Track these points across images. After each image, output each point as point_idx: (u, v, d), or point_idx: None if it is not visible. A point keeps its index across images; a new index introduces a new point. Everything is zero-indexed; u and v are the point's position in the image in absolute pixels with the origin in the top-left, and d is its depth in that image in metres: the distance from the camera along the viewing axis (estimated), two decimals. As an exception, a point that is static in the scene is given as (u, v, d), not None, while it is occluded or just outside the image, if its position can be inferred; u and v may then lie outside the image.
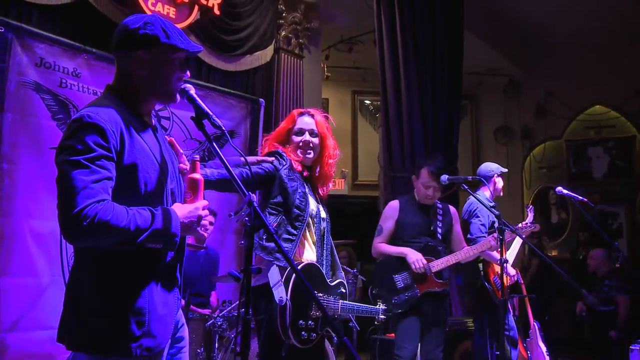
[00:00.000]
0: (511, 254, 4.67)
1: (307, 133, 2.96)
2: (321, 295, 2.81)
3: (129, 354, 1.82)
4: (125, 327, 1.83)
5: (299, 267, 2.73)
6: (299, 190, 2.85)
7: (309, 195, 2.90)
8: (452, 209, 4.28)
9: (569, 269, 7.95)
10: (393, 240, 4.17)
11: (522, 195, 9.57)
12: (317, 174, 3.02)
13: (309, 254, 2.88)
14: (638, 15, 7.64)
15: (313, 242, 2.91)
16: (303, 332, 2.71)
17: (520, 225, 4.57)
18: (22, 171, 4.29)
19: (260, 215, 1.86)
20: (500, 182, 4.83)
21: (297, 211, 2.81)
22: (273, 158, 2.89)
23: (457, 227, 4.27)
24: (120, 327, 1.83)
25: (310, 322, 2.73)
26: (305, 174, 2.93)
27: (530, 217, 4.93)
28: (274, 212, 2.82)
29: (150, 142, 1.99)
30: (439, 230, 4.11)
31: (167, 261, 1.98)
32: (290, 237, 2.79)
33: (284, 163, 2.88)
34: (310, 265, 2.81)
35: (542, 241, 8.76)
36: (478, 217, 4.64)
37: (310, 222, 2.90)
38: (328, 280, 2.90)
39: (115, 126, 1.86)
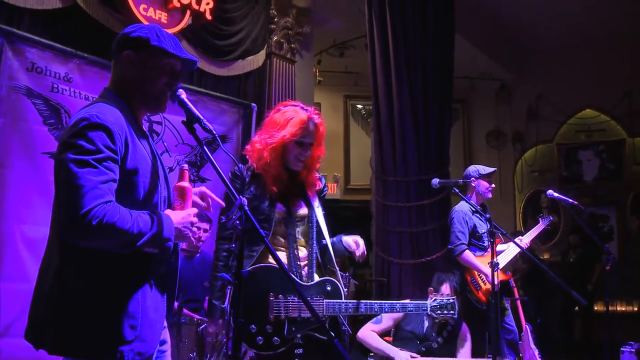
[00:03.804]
0: (504, 259, 4.69)
1: (306, 147, 2.86)
2: (281, 297, 2.69)
3: (121, 358, 1.81)
4: (118, 330, 1.82)
5: (249, 270, 2.67)
6: (262, 206, 2.80)
7: (275, 202, 2.83)
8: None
9: (559, 271, 8.01)
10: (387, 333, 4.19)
11: (513, 198, 9.63)
12: (302, 178, 2.94)
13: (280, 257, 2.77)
14: (628, 19, 7.71)
15: (283, 246, 2.84)
16: (259, 337, 2.63)
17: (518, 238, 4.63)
18: (14, 176, 4.27)
19: (251, 219, 1.87)
20: (482, 185, 4.81)
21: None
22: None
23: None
24: (112, 331, 1.82)
25: (268, 326, 2.64)
26: (274, 189, 2.83)
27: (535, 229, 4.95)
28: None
29: (147, 148, 2.01)
30: (435, 342, 4.09)
31: (160, 266, 1.99)
32: (251, 253, 2.78)
33: (246, 186, 2.85)
34: (263, 268, 2.73)
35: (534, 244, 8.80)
36: (455, 224, 4.68)
37: (280, 228, 2.84)
38: (300, 281, 2.77)
39: (121, 129, 1.87)
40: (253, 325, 2.63)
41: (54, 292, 1.85)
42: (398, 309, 3.04)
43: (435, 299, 3.02)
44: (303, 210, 2.91)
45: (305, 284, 2.78)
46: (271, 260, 2.78)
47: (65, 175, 1.76)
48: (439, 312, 3.00)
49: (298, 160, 2.88)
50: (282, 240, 2.85)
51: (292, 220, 2.86)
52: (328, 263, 2.95)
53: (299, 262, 2.82)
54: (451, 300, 3.02)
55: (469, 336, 4.21)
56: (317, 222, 2.91)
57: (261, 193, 2.83)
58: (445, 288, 3.97)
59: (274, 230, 2.82)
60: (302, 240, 2.89)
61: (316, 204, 2.95)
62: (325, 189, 3.09)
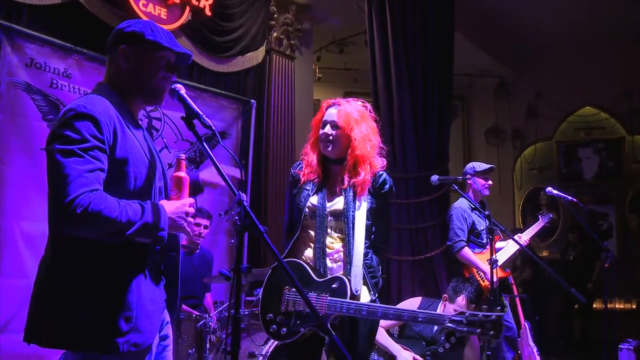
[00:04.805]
0: (503, 256, 4.69)
1: (328, 125, 2.86)
2: (292, 291, 2.71)
3: (116, 349, 1.81)
4: (113, 322, 1.82)
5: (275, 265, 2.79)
6: (297, 200, 2.87)
7: (310, 196, 2.85)
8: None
9: (559, 269, 8.02)
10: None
11: (513, 196, 9.62)
12: (344, 166, 2.86)
13: (308, 253, 2.83)
14: (628, 17, 7.70)
15: (312, 240, 2.82)
16: (273, 326, 2.71)
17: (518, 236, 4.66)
18: (13, 172, 4.28)
19: (250, 214, 1.87)
20: (478, 182, 4.79)
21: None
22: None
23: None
24: (107, 322, 1.82)
25: (279, 317, 2.71)
26: (315, 178, 2.89)
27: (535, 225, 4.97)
28: None
29: (141, 139, 2.02)
30: (442, 347, 4.04)
31: (155, 257, 1.99)
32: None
33: (295, 182, 2.94)
34: (288, 263, 2.75)
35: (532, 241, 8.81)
36: (454, 221, 4.69)
37: (311, 222, 2.84)
38: (316, 277, 2.72)
39: (109, 119, 1.87)
40: (270, 314, 2.73)
41: (47, 285, 1.86)
42: (405, 317, 2.74)
43: (464, 312, 2.59)
44: (338, 205, 2.84)
45: (318, 279, 2.73)
46: (305, 255, 2.83)
47: (52, 165, 1.78)
48: (465, 328, 2.52)
49: (322, 142, 2.87)
50: (312, 234, 2.84)
51: (323, 215, 2.82)
52: (353, 262, 2.78)
53: (325, 258, 2.78)
54: (493, 317, 2.49)
55: (477, 343, 4.14)
56: (354, 218, 2.79)
57: (299, 188, 2.90)
58: (462, 299, 3.86)
59: (305, 224, 2.84)
60: (335, 235, 2.83)
61: (362, 200, 2.83)
62: (387, 186, 2.90)
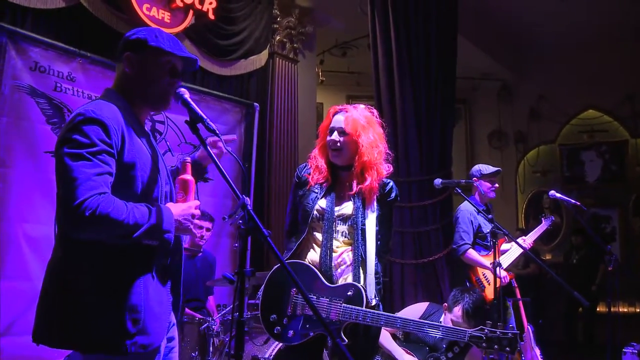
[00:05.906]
0: (507, 259, 4.69)
1: (335, 132, 2.85)
2: (298, 296, 2.72)
3: (124, 351, 1.83)
4: (121, 324, 1.84)
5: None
6: (304, 202, 2.87)
7: (319, 199, 2.85)
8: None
9: (562, 272, 8.00)
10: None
11: (516, 199, 9.61)
12: (352, 172, 2.87)
13: (312, 255, 2.81)
14: (631, 19, 7.70)
15: (319, 243, 2.81)
16: (277, 327, 2.70)
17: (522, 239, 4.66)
18: (16, 175, 4.28)
19: (254, 218, 1.87)
20: (484, 185, 4.79)
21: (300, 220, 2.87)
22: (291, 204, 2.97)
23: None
24: (115, 324, 1.84)
25: (285, 319, 2.70)
26: (324, 183, 2.89)
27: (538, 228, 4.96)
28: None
29: (147, 144, 2.04)
30: (445, 356, 4.00)
31: (162, 260, 2.00)
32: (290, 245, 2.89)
33: (302, 184, 2.94)
34: (295, 265, 2.75)
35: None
36: (460, 224, 4.69)
37: (318, 225, 2.83)
38: (326, 282, 2.71)
39: (117, 124, 1.90)
40: (274, 315, 2.72)
41: (57, 287, 1.88)
42: (426, 331, 2.75)
43: (484, 328, 2.63)
44: (346, 210, 2.84)
45: (330, 285, 2.71)
46: (309, 257, 2.82)
47: (61, 168, 1.81)
48: (484, 344, 2.61)
49: (330, 150, 2.87)
50: (317, 237, 2.84)
51: (331, 218, 2.81)
52: (367, 270, 2.77)
53: (330, 262, 2.76)
54: (510, 335, 2.58)
55: (477, 351, 4.10)
56: (363, 225, 2.80)
57: (307, 191, 2.89)
58: (458, 309, 3.82)
59: (312, 226, 2.84)
60: (341, 239, 2.83)
61: (371, 208, 2.84)
62: (392, 194, 2.92)
